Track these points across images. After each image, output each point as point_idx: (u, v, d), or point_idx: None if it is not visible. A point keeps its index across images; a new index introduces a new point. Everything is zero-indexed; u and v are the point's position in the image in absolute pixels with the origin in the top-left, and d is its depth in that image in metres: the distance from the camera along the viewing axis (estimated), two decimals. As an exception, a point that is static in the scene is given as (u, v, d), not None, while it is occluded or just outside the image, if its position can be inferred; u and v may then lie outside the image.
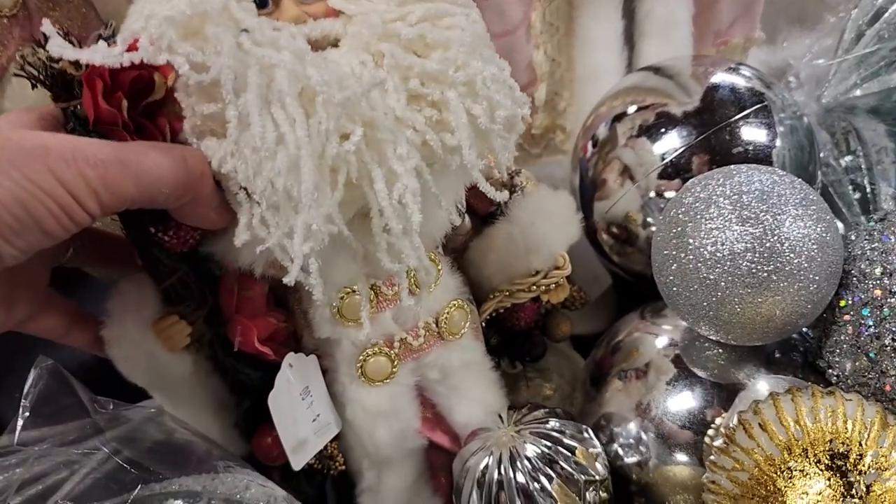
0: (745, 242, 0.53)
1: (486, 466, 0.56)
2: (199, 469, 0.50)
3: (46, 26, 0.41)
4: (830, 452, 0.48)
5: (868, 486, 0.47)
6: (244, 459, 0.55)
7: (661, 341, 0.65)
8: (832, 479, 0.48)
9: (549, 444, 0.56)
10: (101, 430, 0.50)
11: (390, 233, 0.44)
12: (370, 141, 0.43)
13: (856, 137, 0.80)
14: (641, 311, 0.71)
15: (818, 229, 0.54)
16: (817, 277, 0.53)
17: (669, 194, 0.69)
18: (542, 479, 0.55)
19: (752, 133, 0.69)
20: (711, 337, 0.59)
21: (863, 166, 0.78)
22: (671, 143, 0.69)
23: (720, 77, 0.72)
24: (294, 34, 0.44)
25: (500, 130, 0.46)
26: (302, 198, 0.40)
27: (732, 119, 0.68)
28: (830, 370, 0.58)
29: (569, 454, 0.56)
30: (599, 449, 0.59)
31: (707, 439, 0.58)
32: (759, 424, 0.51)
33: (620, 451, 0.62)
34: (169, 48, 0.41)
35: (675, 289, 0.57)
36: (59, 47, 0.40)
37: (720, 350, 0.61)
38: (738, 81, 0.72)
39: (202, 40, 0.42)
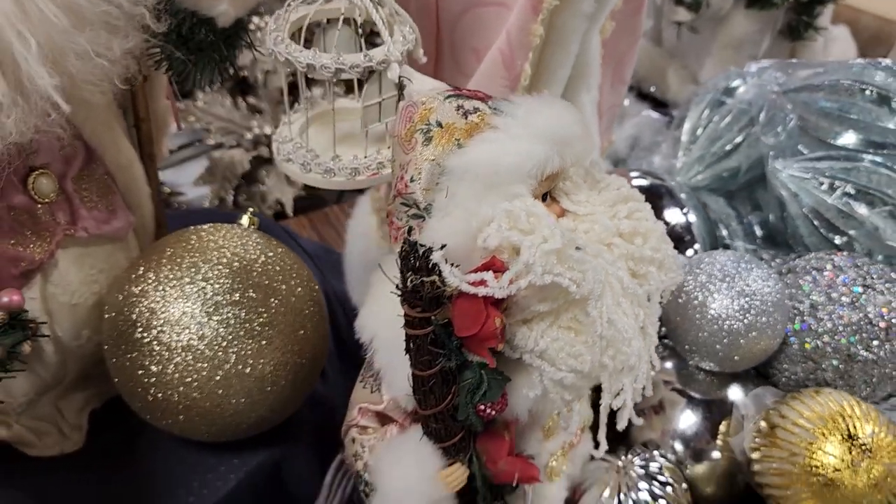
0: (740, 305, 0.81)
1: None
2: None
3: (436, 256, 0.53)
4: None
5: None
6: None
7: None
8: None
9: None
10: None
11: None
12: None
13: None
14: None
15: (770, 283, 0.84)
16: (780, 317, 0.83)
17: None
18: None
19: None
20: (712, 369, 0.86)
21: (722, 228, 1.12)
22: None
23: (636, 182, 1.03)
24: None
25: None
26: (640, 367, 0.59)
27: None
28: (779, 374, 0.88)
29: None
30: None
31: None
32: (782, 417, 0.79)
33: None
34: (551, 271, 0.56)
35: (700, 336, 0.83)
36: (455, 279, 0.54)
37: (704, 376, 0.89)
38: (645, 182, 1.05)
39: (561, 259, 0.56)
